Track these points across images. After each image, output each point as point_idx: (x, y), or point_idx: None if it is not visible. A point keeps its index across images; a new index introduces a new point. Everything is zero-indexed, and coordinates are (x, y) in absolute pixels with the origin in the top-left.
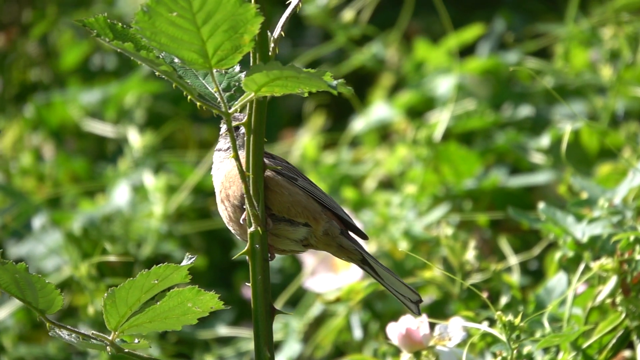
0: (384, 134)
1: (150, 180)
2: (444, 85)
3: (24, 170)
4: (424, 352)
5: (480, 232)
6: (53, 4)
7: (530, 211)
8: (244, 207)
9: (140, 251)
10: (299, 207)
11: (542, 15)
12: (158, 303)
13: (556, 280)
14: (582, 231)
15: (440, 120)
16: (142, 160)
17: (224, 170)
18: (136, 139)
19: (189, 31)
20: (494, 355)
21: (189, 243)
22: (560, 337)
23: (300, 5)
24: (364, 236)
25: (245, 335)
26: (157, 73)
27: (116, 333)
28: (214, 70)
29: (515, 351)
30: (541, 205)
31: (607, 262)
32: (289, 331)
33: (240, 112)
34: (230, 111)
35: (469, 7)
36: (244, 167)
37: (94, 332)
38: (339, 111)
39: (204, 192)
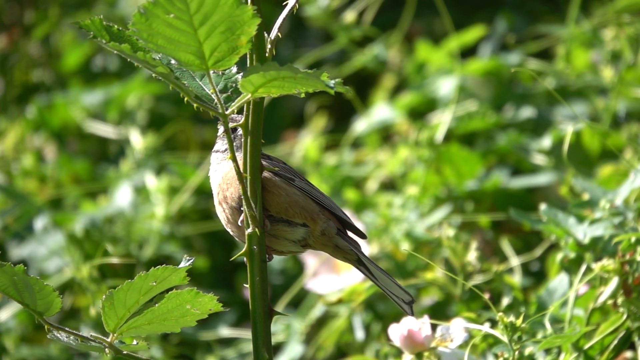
0: (386, 135)
1: (152, 181)
2: (445, 86)
3: (26, 171)
4: (426, 354)
5: (482, 233)
6: (55, 5)
7: (532, 212)
8: (242, 209)
9: (142, 252)
10: (296, 207)
11: (544, 16)
12: (157, 305)
13: (558, 281)
14: (584, 232)
15: (442, 121)
16: (144, 161)
17: (221, 173)
18: (138, 140)
19: (186, 33)
20: (496, 356)
21: (190, 244)
22: (562, 338)
23: (297, 6)
24: (362, 235)
25: (247, 337)
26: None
27: (115, 335)
28: (211, 72)
29: (516, 352)
30: (543, 206)
31: (608, 263)
32: (290, 332)
33: (238, 113)
34: (227, 112)
35: (470, 8)
36: (241, 169)
37: (92, 334)
38: (341, 112)
39: (206, 194)
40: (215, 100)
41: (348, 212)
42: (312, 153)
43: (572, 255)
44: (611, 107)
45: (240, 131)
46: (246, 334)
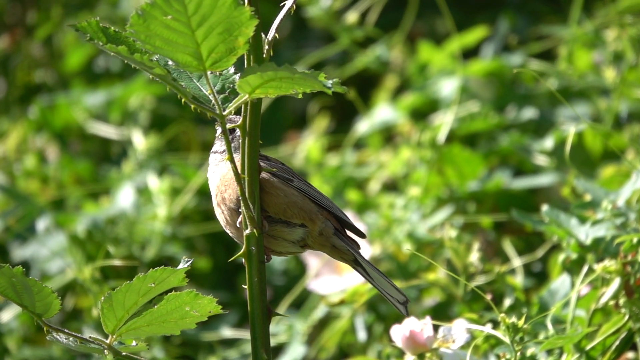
0: (388, 136)
1: (154, 182)
2: (447, 87)
3: (28, 172)
4: (428, 355)
5: (484, 234)
6: (57, 6)
7: (534, 213)
8: (240, 210)
9: (144, 253)
10: (295, 208)
11: (546, 16)
12: (156, 307)
13: (560, 282)
14: (586, 233)
15: (444, 122)
16: (146, 162)
17: (220, 174)
18: (140, 141)
19: (184, 34)
20: (498, 357)
21: (193, 245)
22: (564, 339)
23: (294, 7)
24: (362, 235)
25: (249, 337)
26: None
27: (114, 336)
28: (208, 73)
29: (518, 353)
30: (545, 207)
31: (610, 264)
32: (293, 333)
33: (236, 114)
34: (224, 113)
35: (472, 9)
36: (239, 170)
37: (91, 335)
38: (343, 113)
39: (208, 194)
40: (213, 101)
41: (350, 213)
42: (315, 154)
43: (574, 256)
44: (613, 108)
45: (238, 132)
46: (248, 334)
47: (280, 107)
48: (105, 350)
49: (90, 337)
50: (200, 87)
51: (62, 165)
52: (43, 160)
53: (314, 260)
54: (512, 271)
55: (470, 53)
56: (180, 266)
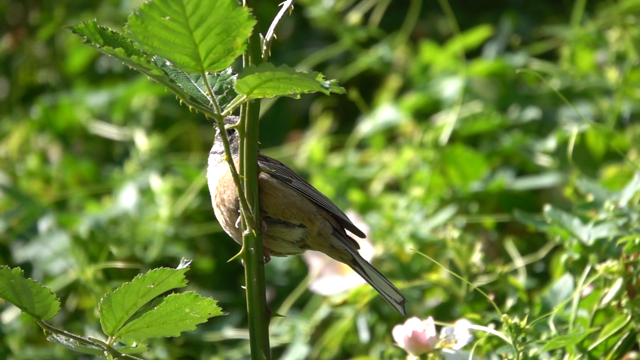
0: (391, 137)
1: (156, 182)
2: (450, 87)
3: (31, 172)
4: (430, 355)
5: (487, 235)
6: (60, 6)
7: (536, 214)
8: (239, 211)
9: (146, 254)
10: (293, 208)
11: (548, 17)
12: (155, 308)
13: (562, 282)
14: (588, 234)
15: (446, 122)
16: (149, 162)
17: (219, 175)
18: (143, 142)
19: (182, 35)
20: (500, 357)
21: (195, 246)
22: (566, 339)
23: (292, 7)
24: (361, 235)
25: None
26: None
27: (113, 338)
28: (206, 73)
29: (521, 354)
30: (547, 207)
31: (612, 264)
32: (295, 334)
33: (235, 114)
34: (222, 114)
35: (475, 9)
36: (237, 170)
37: (91, 337)
38: (346, 114)
39: (210, 195)
40: (211, 102)
41: (353, 214)
42: (317, 154)
43: (576, 256)
44: (616, 109)
45: (237, 132)
46: None
47: (283, 107)
48: (105, 352)
49: (89, 338)
50: (198, 87)
51: (65, 166)
52: (45, 160)
53: (316, 260)
54: (515, 271)
55: (472, 53)
56: (180, 267)
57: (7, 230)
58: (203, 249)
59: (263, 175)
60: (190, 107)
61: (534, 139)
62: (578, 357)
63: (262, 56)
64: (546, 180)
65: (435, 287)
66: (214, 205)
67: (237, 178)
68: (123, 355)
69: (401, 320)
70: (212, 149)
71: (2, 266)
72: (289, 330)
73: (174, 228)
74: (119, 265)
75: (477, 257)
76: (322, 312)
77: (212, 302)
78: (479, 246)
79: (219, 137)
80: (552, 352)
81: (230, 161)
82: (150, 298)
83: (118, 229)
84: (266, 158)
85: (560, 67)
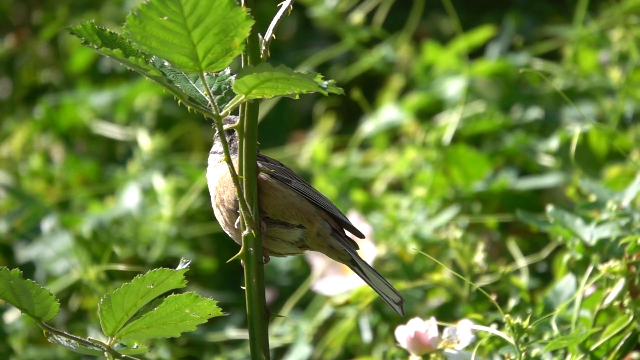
0: (394, 137)
1: (159, 182)
2: (453, 87)
3: (34, 172)
4: (433, 355)
5: (489, 235)
6: (63, 6)
7: (539, 214)
8: (239, 211)
9: (149, 254)
10: (292, 209)
11: (551, 17)
12: (155, 309)
13: (564, 282)
14: (591, 234)
15: (449, 122)
16: (152, 162)
17: (218, 175)
18: (146, 142)
19: (180, 35)
20: (503, 357)
21: (198, 246)
22: (569, 339)
23: (292, 7)
24: (361, 235)
25: None
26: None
27: (113, 339)
28: (205, 74)
29: (523, 354)
30: (550, 207)
31: (615, 264)
32: (298, 334)
33: (235, 114)
34: (221, 114)
35: (478, 9)
36: (236, 171)
37: (91, 337)
38: (349, 113)
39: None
40: (209, 102)
41: (355, 214)
42: (320, 154)
43: (578, 256)
44: (619, 108)
45: (237, 132)
46: None
47: (285, 107)
48: (105, 353)
49: (89, 339)
50: (196, 88)
51: (68, 166)
52: (48, 160)
53: (319, 260)
54: (517, 272)
55: (475, 53)
56: (179, 267)
57: (10, 230)
58: (206, 249)
59: (262, 175)
60: (188, 107)
61: (537, 138)
62: (580, 358)
63: (261, 56)
64: (549, 180)
65: (437, 287)
66: (213, 205)
67: (236, 178)
68: (123, 356)
69: (404, 320)
70: (212, 149)
71: (1, 267)
72: (291, 331)
73: (176, 228)
74: (121, 268)
75: (479, 257)
76: (325, 312)
77: (212, 303)
78: (481, 246)
79: (218, 137)
80: (554, 353)
81: (229, 161)
82: (150, 299)
83: (121, 229)
84: (266, 158)
85: (563, 67)
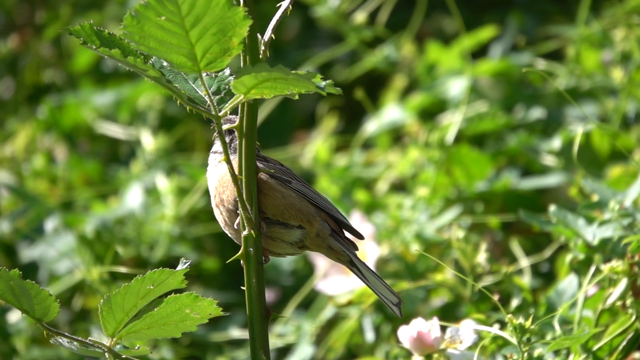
0: (396, 136)
1: (162, 182)
2: (456, 87)
3: (37, 172)
4: (435, 355)
5: (492, 235)
6: (66, 5)
7: (542, 213)
8: (239, 211)
9: (152, 254)
10: (292, 209)
11: (554, 16)
12: (155, 309)
13: (567, 282)
14: (593, 234)
15: (452, 122)
16: (155, 162)
17: (218, 175)
18: (149, 141)
19: (178, 35)
20: (505, 358)
21: (201, 245)
22: (571, 339)
23: (291, 8)
24: (360, 236)
25: None
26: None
27: (114, 340)
28: (204, 74)
29: (526, 354)
30: (552, 207)
31: (617, 264)
32: (301, 334)
33: (234, 114)
34: (220, 114)
35: (480, 8)
36: (236, 171)
37: (91, 338)
38: (352, 113)
39: None
40: (208, 102)
41: (358, 214)
42: (323, 154)
43: (581, 256)
44: (621, 108)
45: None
46: None
47: (288, 107)
48: (106, 354)
49: (90, 340)
50: (195, 88)
51: (71, 166)
52: (52, 160)
53: (321, 260)
54: (520, 271)
55: (478, 53)
56: (179, 267)
57: (14, 230)
58: (209, 249)
59: (262, 175)
60: (187, 107)
61: (540, 138)
62: (583, 357)
63: (261, 56)
64: (551, 180)
65: (440, 287)
66: (213, 205)
67: (235, 178)
68: (123, 357)
69: (406, 320)
70: (213, 149)
71: (1, 268)
72: (294, 330)
73: (179, 228)
74: (123, 270)
75: (482, 257)
76: (328, 312)
77: (212, 303)
78: (484, 246)
79: (218, 137)
80: (556, 352)
81: (228, 162)
82: (151, 299)
83: (124, 229)
84: (266, 158)
85: (566, 67)
